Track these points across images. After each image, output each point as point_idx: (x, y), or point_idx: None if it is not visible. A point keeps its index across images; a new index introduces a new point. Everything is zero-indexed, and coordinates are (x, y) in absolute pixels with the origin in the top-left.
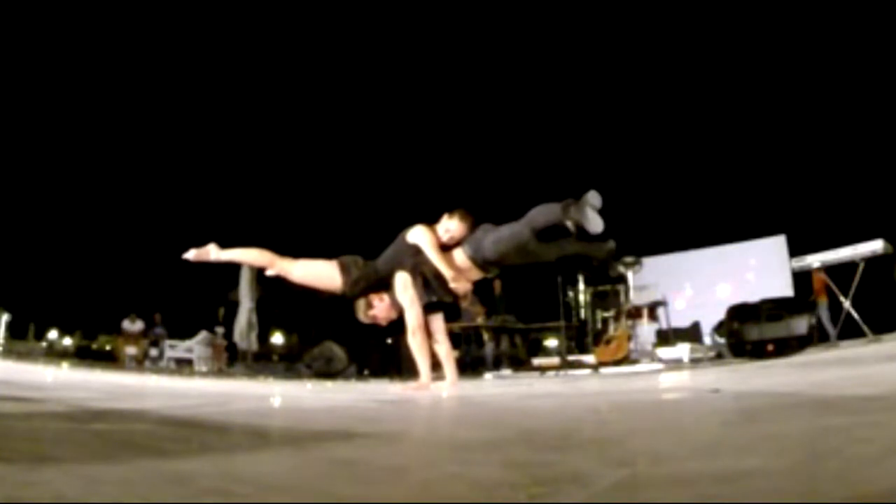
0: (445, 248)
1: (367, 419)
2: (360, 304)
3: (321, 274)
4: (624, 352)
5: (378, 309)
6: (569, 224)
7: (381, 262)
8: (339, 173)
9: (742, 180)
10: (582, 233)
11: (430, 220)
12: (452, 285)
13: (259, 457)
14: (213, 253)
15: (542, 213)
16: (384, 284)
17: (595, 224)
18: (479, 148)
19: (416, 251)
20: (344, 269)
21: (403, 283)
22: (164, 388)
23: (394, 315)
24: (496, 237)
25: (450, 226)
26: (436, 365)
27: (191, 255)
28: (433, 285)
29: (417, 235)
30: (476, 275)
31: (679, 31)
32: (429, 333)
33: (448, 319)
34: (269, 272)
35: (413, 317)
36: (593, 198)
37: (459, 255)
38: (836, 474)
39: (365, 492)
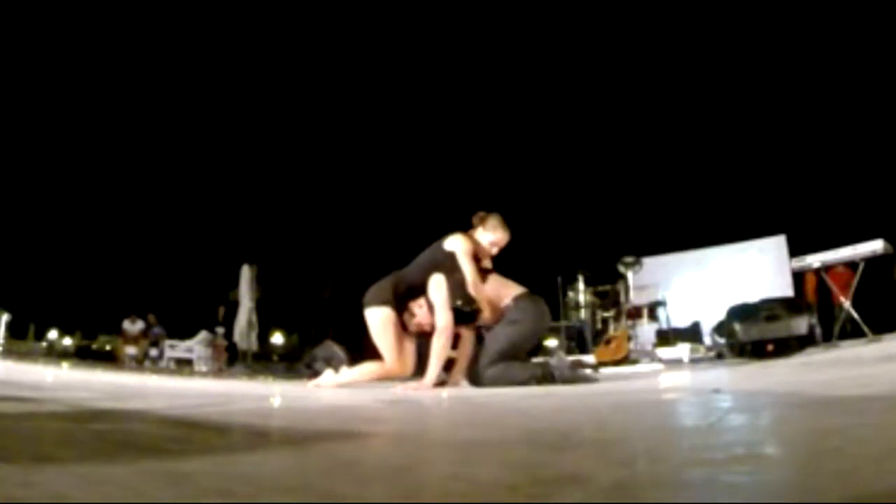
0: (481, 268)
1: (367, 419)
2: (405, 316)
3: (392, 331)
4: (624, 352)
5: (420, 315)
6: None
7: (415, 269)
8: (341, 174)
9: (742, 180)
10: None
11: (431, 228)
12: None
13: (259, 457)
14: (332, 381)
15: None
16: (419, 291)
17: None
18: (477, 148)
19: (452, 259)
20: (384, 305)
21: (437, 283)
22: (164, 388)
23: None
24: (495, 366)
25: (494, 237)
26: (445, 367)
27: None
28: (460, 293)
29: (455, 244)
30: (494, 309)
31: (679, 32)
32: (456, 338)
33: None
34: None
35: (444, 318)
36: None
37: (496, 292)
38: (836, 474)
39: (365, 492)
